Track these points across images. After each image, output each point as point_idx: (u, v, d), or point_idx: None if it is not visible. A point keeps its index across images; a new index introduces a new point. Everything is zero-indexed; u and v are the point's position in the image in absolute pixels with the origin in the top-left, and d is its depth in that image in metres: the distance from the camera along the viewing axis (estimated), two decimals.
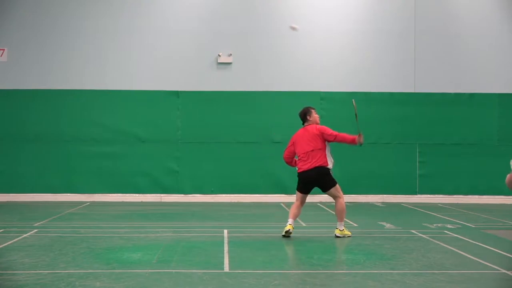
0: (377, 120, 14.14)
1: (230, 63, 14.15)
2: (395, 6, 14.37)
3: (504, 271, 6.48)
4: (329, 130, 8.50)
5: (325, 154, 8.46)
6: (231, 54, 14.12)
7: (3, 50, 13.91)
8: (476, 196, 14.14)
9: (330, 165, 8.49)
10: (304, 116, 8.75)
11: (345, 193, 13.98)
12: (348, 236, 8.63)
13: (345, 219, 8.76)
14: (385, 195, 14.07)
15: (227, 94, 14.05)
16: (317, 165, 8.44)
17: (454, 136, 14.25)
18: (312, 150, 8.45)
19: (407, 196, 14.06)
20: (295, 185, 13.94)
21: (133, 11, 14.13)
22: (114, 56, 14.08)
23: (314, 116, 8.71)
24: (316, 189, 14.23)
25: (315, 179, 8.52)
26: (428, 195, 14.12)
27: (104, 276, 6.08)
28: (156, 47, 14.12)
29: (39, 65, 13.94)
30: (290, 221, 8.55)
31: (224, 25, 14.20)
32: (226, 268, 6.55)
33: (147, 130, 13.98)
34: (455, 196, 14.11)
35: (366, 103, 14.17)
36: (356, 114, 8.83)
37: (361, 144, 8.55)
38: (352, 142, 8.46)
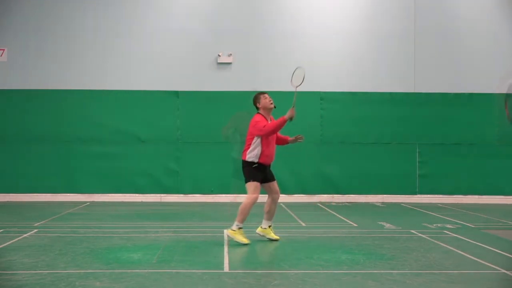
0: (377, 120, 14.15)
1: (230, 63, 14.16)
2: (395, 6, 14.37)
3: (504, 271, 6.48)
4: (260, 125, 8.00)
5: (250, 148, 8.06)
6: (231, 54, 14.13)
7: (3, 50, 13.91)
8: (476, 196, 14.14)
9: (251, 159, 8.02)
10: (254, 104, 8.38)
11: (345, 193, 14.20)
12: (236, 241, 7.93)
13: (241, 223, 8.00)
14: (385, 195, 14.07)
15: (227, 94, 14.05)
16: (242, 156, 8.18)
17: (454, 136, 14.25)
18: (245, 140, 8.20)
19: (407, 196, 14.06)
20: (295, 185, 14.07)
21: (133, 11, 14.13)
22: (114, 56, 14.08)
23: (263, 101, 8.25)
24: (316, 189, 14.28)
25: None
26: (428, 195, 14.12)
27: (104, 276, 6.08)
28: (156, 47, 14.12)
29: (39, 65, 13.95)
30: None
31: (224, 25, 14.20)
32: (226, 268, 6.55)
33: (147, 130, 13.97)
34: (454, 196, 14.11)
35: (366, 103, 14.19)
36: (295, 93, 8.33)
37: (291, 119, 7.93)
38: (283, 122, 7.91)
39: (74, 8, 14.04)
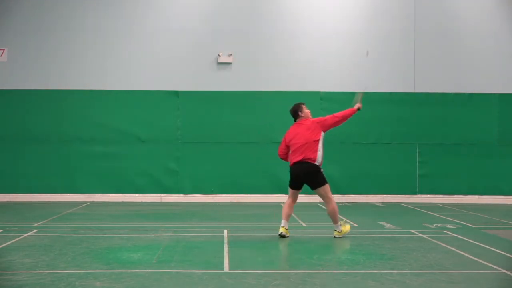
0: (377, 120, 14.15)
1: (230, 63, 14.15)
2: (395, 6, 14.37)
3: (504, 271, 6.48)
4: (327, 117, 8.61)
5: (317, 148, 8.31)
6: (231, 54, 14.12)
7: (3, 50, 13.91)
8: (476, 196, 14.15)
9: (319, 160, 8.34)
10: (295, 113, 8.66)
11: (345, 193, 14.21)
12: (347, 232, 8.63)
13: (341, 217, 8.75)
14: (385, 195, 14.07)
15: (227, 94, 14.05)
16: (306, 158, 8.28)
17: (454, 136, 14.25)
18: (305, 143, 8.32)
19: (407, 196, 14.07)
20: None
21: (133, 11, 14.13)
22: (114, 56, 14.08)
23: (305, 111, 8.65)
24: None
25: (304, 173, 8.31)
26: (428, 195, 14.12)
27: (104, 276, 6.08)
28: (156, 47, 14.12)
29: (39, 65, 13.95)
30: (282, 222, 8.50)
31: (224, 25, 14.20)
32: (226, 268, 6.55)
33: (147, 130, 13.97)
34: (455, 196, 14.11)
35: (366, 103, 14.11)
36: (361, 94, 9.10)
37: (359, 109, 8.78)
38: (353, 112, 8.68)
39: (74, 8, 14.04)
